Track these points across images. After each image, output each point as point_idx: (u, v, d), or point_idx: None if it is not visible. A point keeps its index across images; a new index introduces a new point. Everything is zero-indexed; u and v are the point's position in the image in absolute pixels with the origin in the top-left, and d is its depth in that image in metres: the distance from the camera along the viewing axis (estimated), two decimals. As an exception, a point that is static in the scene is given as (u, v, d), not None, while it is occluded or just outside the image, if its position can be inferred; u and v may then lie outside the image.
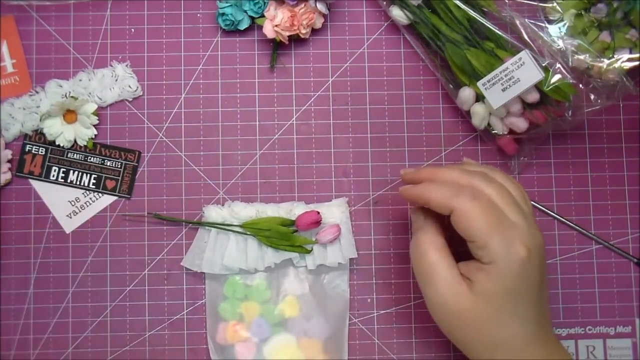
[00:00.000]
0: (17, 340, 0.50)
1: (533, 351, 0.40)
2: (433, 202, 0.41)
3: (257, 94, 0.52)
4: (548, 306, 0.43)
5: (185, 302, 0.50)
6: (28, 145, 0.51)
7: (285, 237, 0.48)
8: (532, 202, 0.52)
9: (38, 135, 0.51)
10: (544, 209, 0.52)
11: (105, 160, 0.51)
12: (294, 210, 0.49)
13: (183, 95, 0.52)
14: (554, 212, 0.52)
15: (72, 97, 0.48)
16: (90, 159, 0.51)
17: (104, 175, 0.51)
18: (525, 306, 0.40)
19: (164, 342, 0.50)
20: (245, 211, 0.49)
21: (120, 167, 0.51)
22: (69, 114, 0.50)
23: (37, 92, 0.51)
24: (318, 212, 0.48)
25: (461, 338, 0.41)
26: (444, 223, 0.43)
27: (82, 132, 0.50)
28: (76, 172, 0.51)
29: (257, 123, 0.52)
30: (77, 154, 0.51)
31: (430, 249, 0.41)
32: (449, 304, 0.40)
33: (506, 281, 0.39)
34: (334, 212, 0.49)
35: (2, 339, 0.50)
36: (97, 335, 0.50)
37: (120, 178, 0.51)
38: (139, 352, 0.50)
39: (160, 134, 0.52)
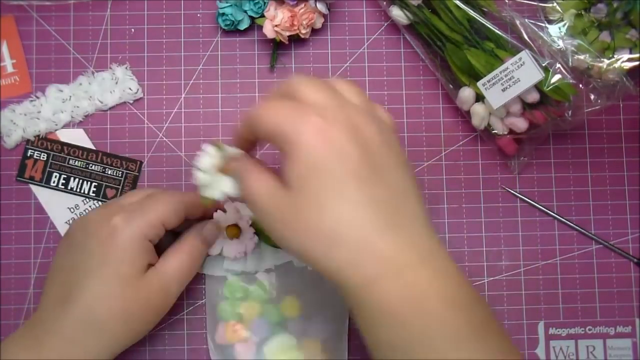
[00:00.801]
0: (17, 340, 0.50)
1: (370, 242, 0.33)
2: (238, 129, 0.39)
3: (257, 94, 0.52)
4: (406, 195, 0.35)
5: (185, 302, 0.50)
6: (30, 150, 0.51)
7: None
8: (532, 202, 0.52)
9: (40, 141, 0.51)
10: (544, 209, 0.52)
11: (106, 169, 0.51)
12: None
13: (183, 95, 0.52)
14: (554, 212, 0.52)
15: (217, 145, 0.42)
16: (91, 166, 0.51)
17: (104, 183, 0.51)
18: (350, 186, 0.33)
19: (164, 342, 0.50)
20: (246, 211, 0.49)
21: (121, 177, 0.51)
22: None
23: (37, 98, 0.51)
24: None
25: (296, 243, 0.34)
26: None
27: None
28: (77, 179, 0.51)
29: (257, 123, 0.52)
30: (78, 161, 0.51)
31: (252, 183, 0.36)
32: (272, 211, 0.35)
33: (306, 155, 0.33)
34: None
35: (2, 338, 0.49)
36: (97, 335, 0.50)
37: (120, 187, 0.51)
38: (139, 352, 0.50)
39: (160, 134, 0.52)
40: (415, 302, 0.32)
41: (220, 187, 0.41)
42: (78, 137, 0.51)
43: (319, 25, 0.52)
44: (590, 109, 0.48)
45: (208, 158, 0.41)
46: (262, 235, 0.48)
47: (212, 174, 0.41)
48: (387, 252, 0.33)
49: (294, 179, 0.34)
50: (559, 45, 0.48)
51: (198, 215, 0.46)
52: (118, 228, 0.41)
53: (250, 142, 0.40)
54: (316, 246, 0.33)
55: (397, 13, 0.51)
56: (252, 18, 0.51)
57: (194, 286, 0.50)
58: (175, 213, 0.43)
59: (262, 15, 0.51)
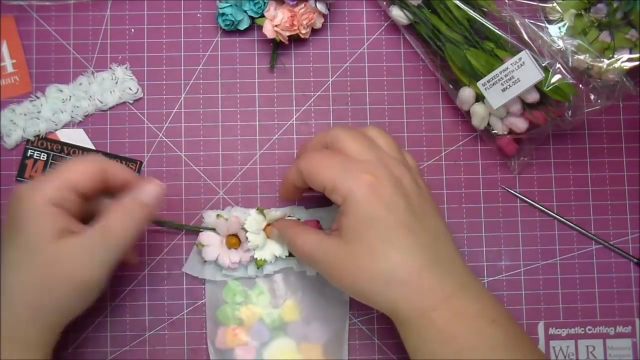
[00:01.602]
0: (17, 340, 0.49)
1: (420, 281, 0.38)
2: (288, 178, 0.44)
3: (257, 94, 0.52)
4: (443, 236, 0.41)
5: (185, 302, 0.50)
6: (30, 150, 0.51)
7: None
8: (532, 202, 0.52)
9: (40, 141, 0.51)
10: (544, 209, 0.52)
11: None
12: (294, 214, 0.49)
13: (183, 95, 0.52)
14: (554, 212, 0.52)
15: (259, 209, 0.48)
16: (91, 166, 0.51)
17: None
18: (399, 234, 0.39)
19: (164, 342, 0.50)
20: (245, 217, 0.49)
21: None
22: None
23: (37, 98, 0.51)
24: (318, 222, 0.48)
25: (353, 285, 0.40)
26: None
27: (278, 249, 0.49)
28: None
29: (257, 123, 0.52)
30: (77, 157, 0.51)
31: (298, 239, 0.42)
32: (329, 263, 0.40)
33: (361, 210, 0.38)
34: (334, 216, 0.49)
35: (2, 339, 0.49)
36: (97, 335, 0.50)
37: None
38: (139, 352, 0.50)
39: (160, 134, 0.52)
40: (462, 321, 0.38)
41: (270, 249, 0.47)
42: (78, 137, 0.51)
43: (319, 25, 0.52)
44: (590, 109, 0.48)
45: (254, 222, 0.47)
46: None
47: (260, 237, 0.47)
48: (434, 286, 0.39)
49: (350, 230, 0.39)
50: (559, 45, 0.48)
51: (119, 183, 0.43)
52: (22, 196, 0.39)
53: (298, 189, 0.45)
54: (372, 287, 0.39)
55: (397, 13, 0.51)
56: (252, 18, 0.51)
57: (194, 286, 0.50)
58: (87, 176, 0.40)
59: (262, 15, 0.51)
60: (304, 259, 0.43)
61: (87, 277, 0.39)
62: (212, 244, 0.48)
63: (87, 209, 0.42)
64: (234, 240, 0.48)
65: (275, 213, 0.48)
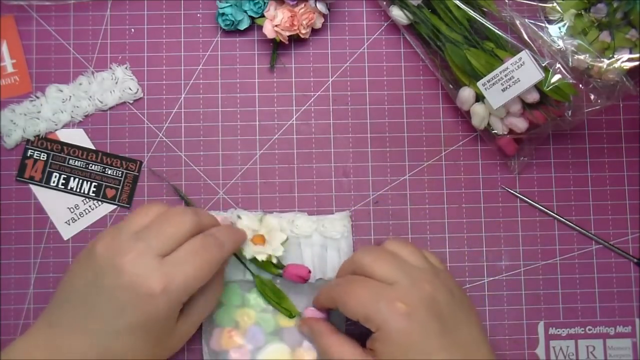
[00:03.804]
0: (17, 340, 0.50)
1: None
2: (323, 302, 0.46)
3: (257, 94, 0.52)
4: (477, 340, 0.42)
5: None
6: (30, 150, 0.51)
7: (276, 293, 0.48)
8: (532, 202, 0.52)
9: (40, 141, 0.51)
10: (544, 209, 0.52)
11: (106, 169, 0.51)
12: (296, 221, 0.49)
13: (183, 95, 0.52)
14: (554, 212, 0.52)
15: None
16: (91, 166, 0.51)
17: (104, 183, 0.51)
18: (435, 356, 0.39)
19: (164, 342, 0.50)
20: (247, 219, 0.49)
21: (121, 177, 0.51)
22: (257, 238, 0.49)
23: (37, 98, 0.51)
24: (309, 271, 0.47)
25: None
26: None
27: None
28: (77, 179, 0.51)
29: (257, 123, 0.52)
30: (78, 161, 0.51)
31: (331, 346, 0.43)
32: None
33: (396, 341, 0.39)
34: (336, 225, 0.49)
35: (2, 338, 0.49)
36: (97, 335, 0.50)
37: (120, 187, 0.51)
38: (139, 352, 0.49)
39: (160, 134, 0.52)
40: None
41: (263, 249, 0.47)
42: (78, 137, 0.51)
43: (319, 25, 0.52)
44: (590, 109, 0.48)
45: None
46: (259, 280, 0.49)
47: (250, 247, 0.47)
48: None
49: (385, 356, 0.40)
50: (559, 45, 0.48)
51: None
52: (156, 295, 0.39)
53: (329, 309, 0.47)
54: None
55: (397, 13, 0.51)
56: (252, 18, 0.51)
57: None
58: (213, 271, 0.42)
59: (262, 15, 0.51)
60: None
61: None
62: None
63: None
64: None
65: (272, 221, 0.48)
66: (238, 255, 0.48)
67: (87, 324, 0.39)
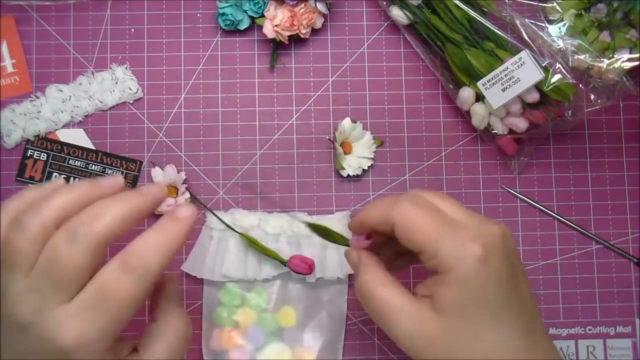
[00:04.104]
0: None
1: None
2: (373, 219, 0.37)
3: (257, 94, 0.52)
4: (536, 310, 0.37)
5: (184, 302, 0.50)
6: (30, 150, 0.51)
7: (262, 246, 0.48)
8: (532, 202, 0.52)
9: (40, 141, 0.51)
10: (544, 209, 0.52)
11: (106, 169, 0.51)
12: (296, 221, 0.49)
13: (183, 95, 0.52)
14: (554, 212, 0.52)
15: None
16: (91, 166, 0.51)
17: None
18: (504, 314, 0.35)
19: (164, 342, 0.50)
20: (247, 219, 0.49)
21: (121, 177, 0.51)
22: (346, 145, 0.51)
23: (37, 97, 0.51)
24: (313, 263, 0.47)
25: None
26: (385, 255, 0.40)
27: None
28: (77, 179, 0.51)
29: (257, 123, 0.52)
30: (78, 161, 0.51)
31: (375, 286, 0.36)
32: (418, 336, 0.35)
33: (470, 287, 0.34)
34: (336, 225, 0.49)
35: (2, 339, 0.49)
36: (97, 335, 0.50)
37: None
38: (139, 352, 0.49)
39: (160, 134, 0.52)
40: None
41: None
42: (78, 137, 0.51)
43: (319, 25, 0.52)
44: (590, 109, 0.48)
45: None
46: (259, 247, 0.49)
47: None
48: None
49: (454, 307, 0.34)
50: (559, 45, 0.48)
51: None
52: (71, 351, 0.30)
53: (372, 230, 0.39)
54: None
55: (397, 13, 0.51)
56: (252, 18, 0.51)
57: (193, 287, 0.50)
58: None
59: (262, 15, 0.51)
60: (372, 310, 0.37)
61: None
62: None
63: None
64: (172, 190, 0.50)
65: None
66: (216, 214, 0.48)
67: None
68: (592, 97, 0.48)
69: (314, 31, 0.52)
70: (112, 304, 0.31)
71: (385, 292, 0.36)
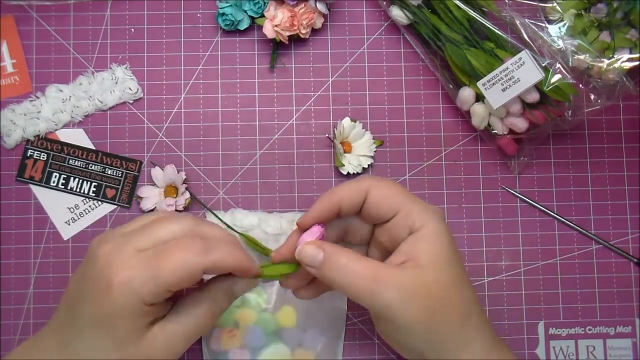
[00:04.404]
0: (17, 340, 0.49)
1: (481, 317, 0.39)
2: (345, 195, 0.39)
3: (257, 94, 0.52)
4: None
5: (185, 302, 0.50)
6: (30, 150, 0.51)
7: (262, 246, 0.49)
8: (532, 202, 0.52)
9: (40, 141, 0.51)
10: (544, 209, 0.52)
11: (106, 169, 0.51)
12: (296, 221, 0.49)
13: (183, 95, 0.52)
14: (554, 212, 0.52)
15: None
16: (91, 166, 0.51)
17: (104, 183, 0.51)
18: (463, 269, 0.39)
19: (164, 342, 0.50)
20: (247, 219, 0.49)
21: (121, 177, 0.51)
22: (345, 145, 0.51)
23: (37, 98, 0.51)
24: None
25: (436, 328, 0.37)
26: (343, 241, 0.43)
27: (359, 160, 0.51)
28: (77, 179, 0.51)
29: (257, 123, 0.52)
30: (78, 161, 0.51)
31: (357, 263, 0.37)
32: (412, 295, 0.36)
33: (444, 239, 0.38)
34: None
35: (2, 339, 0.49)
36: (97, 335, 0.50)
37: (120, 187, 0.51)
38: (139, 352, 0.49)
39: (160, 134, 0.52)
40: None
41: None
42: (78, 137, 0.51)
43: (319, 25, 0.51)
44: (590, 109, 0.48)
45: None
46: (259, 247, 0.48)
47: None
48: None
49: (436, 257, 0.37)
50: (559, 45, 0.48)
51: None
52: (113, 285, 0.35)
53: (336, 213, 0.41)
54: (454, 320, 0.37)
55: (397, 13, 0.51)
56: (252, 18, 0.51)
57: (193, 286, 0.50)
58: (190, 277, 0.36)
59: (262, 15, 0.51)
60: (357, 283, 0.36)
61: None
62: (150, 195, 0.50)
63: None
64: (172, 190, 0.50)
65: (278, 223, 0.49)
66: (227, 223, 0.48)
67: (61, 320, 0.37)
68: (592, 97, 0.48)
69: (314, 31, 0.52)
70: (169, 264, 0.35)
71: (369, 264, 0.37)
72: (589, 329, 0.51)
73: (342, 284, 0.37)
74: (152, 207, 0.49)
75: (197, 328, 0.38)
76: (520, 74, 0.46)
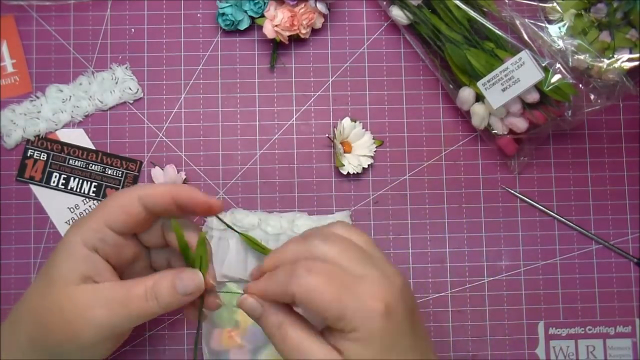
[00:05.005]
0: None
1: None
2: (273, 296, 0.36)
3: (257, 94, 0.52)
4: (428, 337, 0.39)
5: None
6: (30, 150, 0.51)
7: (262, 246, 0.48)
8: (532, 202, 0.52)
9: (40, 141, 0.51)
10: (544, 209, 0.52)
11: (107, 169, 0.51)
12: (296, 221, 0.49)
13: (183, 95, 0.52)
14: (554, 212, 0.52)
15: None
16: (91, 166, 0.51)
17: (104, 183, 0.51)
18: (406, 356, 0.36)
19: (164, 342, 0.50)
20: (247, 219, 0.49)
21: (121, 177, 0.51)
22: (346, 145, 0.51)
23: (37, 98, 0.51)
24: None
25: None
26: None
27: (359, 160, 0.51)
28: (77, 179, 0.51)
29: (257, 123, 0.52)
30: (78, 161, 0.51)
31: (290, 329, 0.36)
32: None
33: (376, 341, 0.34)
34: None
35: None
36: (97, 335, 0.50)
37: (120, 187, 0.51)
38: (139, 352, 0.50)
39: (160, 134, 0.52)
40: None
41: None
42: (78, 137, 0.51)
43: (319, 25, 0.51)
44: (590, 109, 0.48)
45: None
46: (259, 246, 0.48)
47: None
48: None
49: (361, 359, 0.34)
50: (559, 45, 0.48)
51: (178, 213, 0.38)
52: (66, 234, 0.37)
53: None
54: None
55: (397, 13, 0.51)
56: (252, 18, 0.51)
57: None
58: (125, 213, 0.37)
59: (262, 15, 0.51)
60: (286, 348, 0.36)
61: (82, 335, 0.36)
62: None
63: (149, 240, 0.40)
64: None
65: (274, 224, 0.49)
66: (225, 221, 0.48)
67: None
68: (592, 97, 0.48)
69: (314, 31, 0.52)
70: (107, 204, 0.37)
71: (301, 336, 0.35)
72: (589, 329, 0.51)
73: (276, 342, 0.36)
74: None
75: (121, 304, 0.36)
76: (520, 74, 0.46)
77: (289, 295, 0.35)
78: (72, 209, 0.51)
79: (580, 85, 0.47)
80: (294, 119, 0.52)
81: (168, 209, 0.38)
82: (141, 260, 0.40)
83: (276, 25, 0.50)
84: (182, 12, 0.53)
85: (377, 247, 0.38)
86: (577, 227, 0.52)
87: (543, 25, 0.48)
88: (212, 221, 0.49)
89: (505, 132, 0.50)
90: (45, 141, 0.51)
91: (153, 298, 0.36)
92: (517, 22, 0.48)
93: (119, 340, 0.39)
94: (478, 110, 0.49)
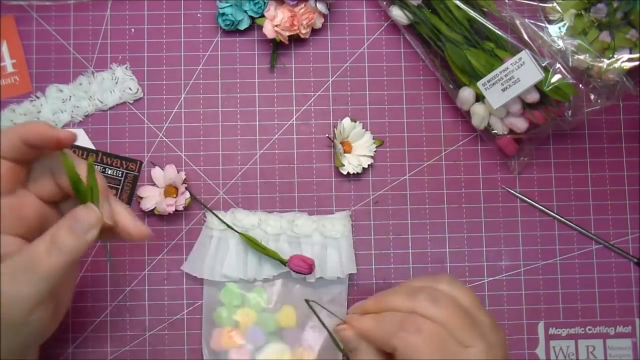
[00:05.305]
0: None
1: None
2: (375, 341, 0.37)
3: (257, 94, 0.52)
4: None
5: (185, 302, 0.50)
6: (28, 146, 0.51)
7: (262, 246, 0.49)
8: (532, 202, 0.52)
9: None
10: (544, 209, 0.52)
11: (107, 169, 0.51)
12: (296, 221, 0.49)
13: (183, 95, 0.52)
14: (554, 212, 0.52)
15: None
16: (91, 166, 0.51)
17: None
18: None
19: (164, 342, 0.50)
20: (247, 219, 0.49)
21: (121, 177, 0.51)
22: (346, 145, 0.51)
23: (37, 98, 0.51)
24: (313, 263, 0.47)
25: None
26: None
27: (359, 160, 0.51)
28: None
29: (257, 123, 0.52)
30: (78, 158, 0.51)
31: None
32: None
33: None
34: (337, 225, 0.49)
35: (2, 339, 0.49)
36: (97, 335, 0.50)
37: (120, 187, 0.51)
38: (139, 352, 0.50)
39: (160, 134, 0.52)
40: None
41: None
42: (78, 137, 0.51)
43: (319, 25, 0.52)
44: (590, 109, 0.48)
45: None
46: (259, 246, 0.48)
47: None
48: None
49: None
50: (559, 45, 0.48)
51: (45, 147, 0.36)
52: None
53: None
54: None
55: (397, 13, 0.51)
56: (252, 18, 0.51)
57: (194, 286, 0.50)
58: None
59: (262, 15, 0.51)
60: None
61: (8, 317, 0.34)
62: (150, 195, 0.49)
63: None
64: (172, 190, 0.50)
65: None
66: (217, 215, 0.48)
67: None
68: (592, 97, 0.48)
69: (314, 31, 0.52)
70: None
71: None
72: (589, 329, 0.51)
73: None
74: (152, 207, 0.49)
75: (29, 277, 0.34)
76: (520, 74, 0.46)
77: (391, 345, 0.35)
78: (72, 209, 0.51)
79: (580, 85, 0.47)
80: (294, 119, 0.52)
81: (21, 151, 0.36)
82: (51, 222, 0.37)
83: (276, 25, 0.50)
84: (182, 12, 0.53)
85: (482, 309, 0.38)
86: (577, 227, 0.52)
87: (543, 25, 0.48)
88: (212, 221, 0.49)
89: (505, 132, 0.50)
90: (45, 141, 0.51)
91: (55, 250, 0.34)
92: (517, 22, 0.48)
93: (57, 306, 0.37)
94: (478, 110, 0.49)
